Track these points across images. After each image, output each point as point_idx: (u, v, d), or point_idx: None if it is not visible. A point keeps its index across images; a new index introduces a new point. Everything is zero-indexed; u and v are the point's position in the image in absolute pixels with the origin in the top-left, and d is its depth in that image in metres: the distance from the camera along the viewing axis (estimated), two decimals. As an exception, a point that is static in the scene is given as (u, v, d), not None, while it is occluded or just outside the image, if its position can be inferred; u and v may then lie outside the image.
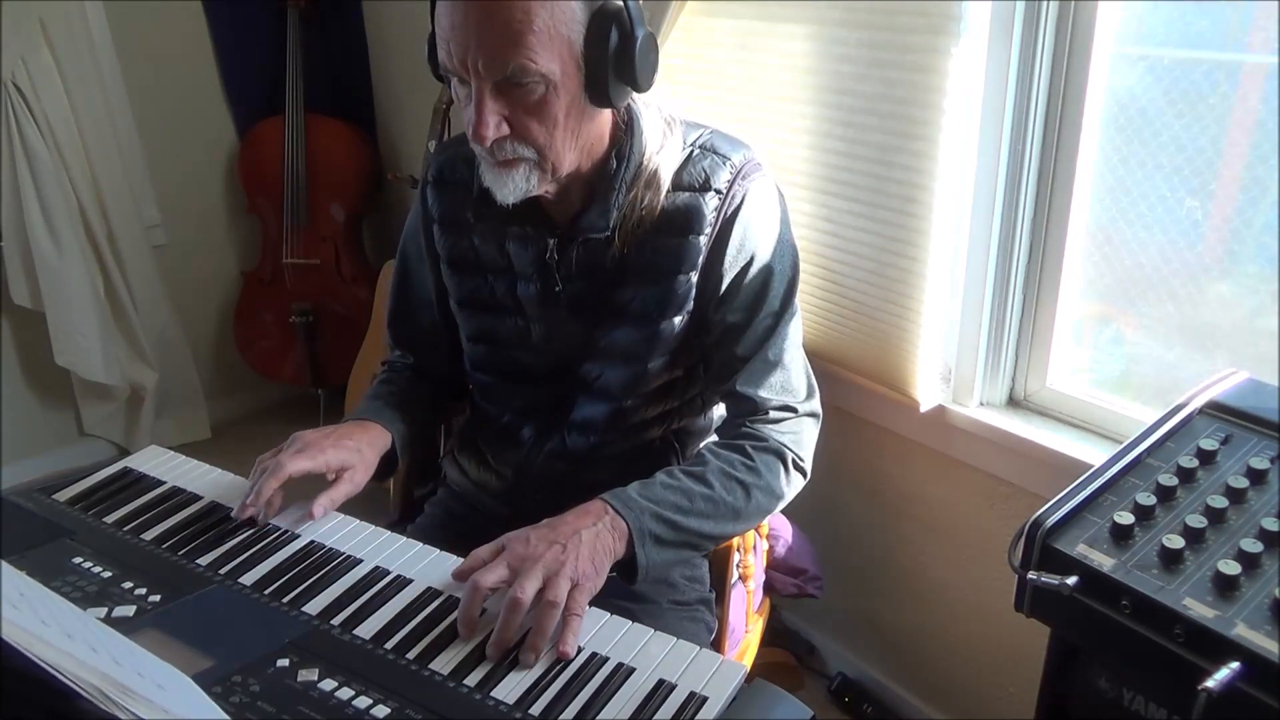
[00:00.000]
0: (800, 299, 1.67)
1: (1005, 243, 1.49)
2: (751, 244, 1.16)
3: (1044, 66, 1.37)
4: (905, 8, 1.38)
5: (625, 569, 1.04)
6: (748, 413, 1.19)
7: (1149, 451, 1.03)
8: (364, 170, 2.86)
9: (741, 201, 1.15)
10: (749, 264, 1.16)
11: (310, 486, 1.10)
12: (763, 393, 1.18)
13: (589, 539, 0.99)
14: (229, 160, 2.92)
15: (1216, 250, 1.33)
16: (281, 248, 2.82)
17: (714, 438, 1.33)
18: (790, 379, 1.20)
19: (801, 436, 1.21)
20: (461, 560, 1.01)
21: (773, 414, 1.19)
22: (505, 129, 1.03)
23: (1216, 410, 1.07)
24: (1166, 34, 1.31)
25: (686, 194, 1.14)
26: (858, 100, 1.49)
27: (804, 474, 1.21)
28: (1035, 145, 1.42)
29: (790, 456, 1.18)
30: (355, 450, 1.14)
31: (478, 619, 0.90)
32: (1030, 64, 1.37)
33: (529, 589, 0.90)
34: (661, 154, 1.14)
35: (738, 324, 1.17)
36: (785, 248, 1.20)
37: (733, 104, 1.68)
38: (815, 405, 1.24)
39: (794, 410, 1.20)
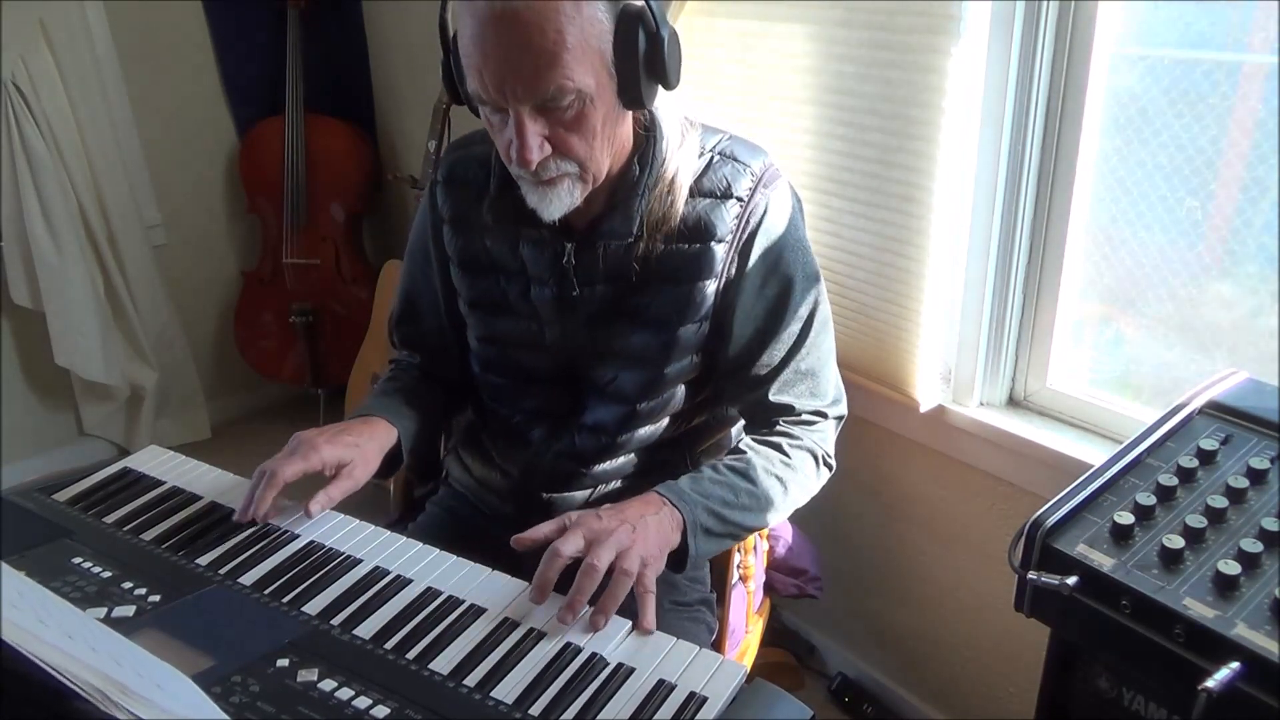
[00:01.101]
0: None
1: (1005, 243, 1.49)
2: (774, 253, 1.17)
3: (1044, 66, 1.37)
4: (905, 8, 1.38)
5: (673, 557, 1.08)
6: (782, 415, 1.22)
7: (1149, 451, 1.03)
8: (364, 170, 2.86)
9: (765, 212, 1.15)
10: (772, 273, 1.17)
11: (314, 485, 1.10)
12: (795, 399, 1.22)
13: (654, 524, 1.03)
14: (229, 160, 2.92)
15: (1216, 250, 1.33)
16: (281, 248, 2.82)
17: (738, 428, 1.35)
18: (819, 385, 1.23)
19: (828, 435, 1.25)
20: (458, 560, 1.01)
21: (805, 417, 1.23)
22: (548, 149, 1.03)
23: (1216, 410, 1.07)
24: (1166, 34, 1.31)
25: (707, 201, 1.14)
26: (858, 100, 1.49)
27: (831, 469, 1.26)
28: (1035, 145, 1.42)
29: (820, 454, 1.22)
30: (354, 446, 1.14)
31: (552, 585, 0.95)
32: (1030, 64, 1.37)
33: (604, 558, 0.95)
34: (681, 156, 1.14)
35: (766, 332, 1.18)
36: (806, 255, 1.20)
37: (733, 104, 1.68)
38: (842, 409, 1.28)
39: (824, 415, 1.24)
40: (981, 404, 1.59)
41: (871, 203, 1.53)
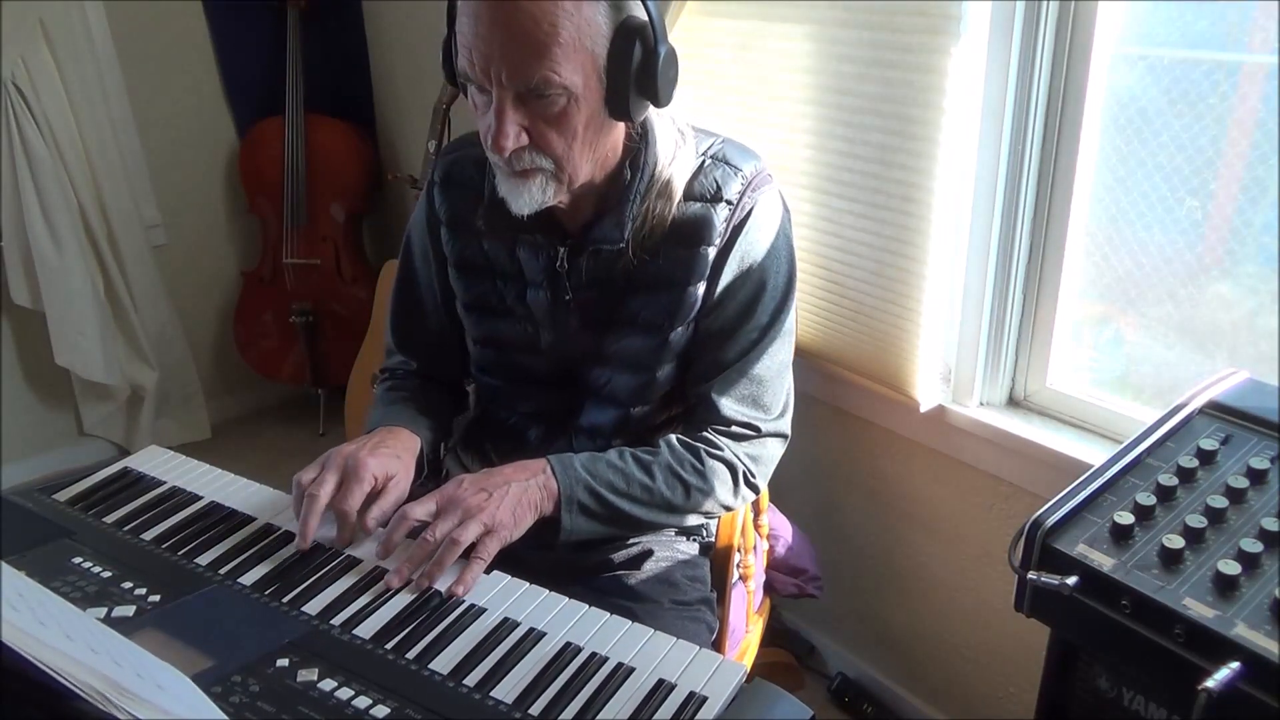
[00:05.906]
0: (800, 299, 1.68)
1: (1005, 243, 1.49)
2: (752, 255, 1.16)
3: (1044, 66, 1.37)
4: (905, 8, 1.38)
5: (552, 528, 1.09)
6: (713, 421, 1.19)
7: (1149, 451, 1.03)
8: (364, 170, 2.86)
9: (750, 213, 1.15)
10: (746, 274, 1.16)
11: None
12: (732, 403, 1.18)
13: (516, 492, 1.05)
14: (229, 160, 2.93)
15: (1216, 250, 1.33)
16: (281, 248, 2.82)
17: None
18: (763, 395, 1.20)
19: (761, 455, 1.22)
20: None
21: (735, 429, 1.19)
22: (524, 139, 1.02)
23: (1216, 410, 1.07)
24: (1166, 34, 1.31)
25: (698, 204, 1.14)
26: (858, 100, 1.49)
27: (755, 490, 1.23)
28: (1035, 145, 1.42)
29: (742, 470, 1.19)
30: (395, 457, 1.12)
31: (396, 544, 1.00)
32: (1030, 64, 1.37)
33: (440, 531, 0.98)
34: (674, 165, 1.13)
35: (724, 330, 1.18)
36: (783, 264, 1.19)
37: (733, 104, 1.68)
38: (783, 425, 1.24)
39: (757, 430, 1.20)
40: (981, 404, 1.59)
41: (871, 203, 1.53)
